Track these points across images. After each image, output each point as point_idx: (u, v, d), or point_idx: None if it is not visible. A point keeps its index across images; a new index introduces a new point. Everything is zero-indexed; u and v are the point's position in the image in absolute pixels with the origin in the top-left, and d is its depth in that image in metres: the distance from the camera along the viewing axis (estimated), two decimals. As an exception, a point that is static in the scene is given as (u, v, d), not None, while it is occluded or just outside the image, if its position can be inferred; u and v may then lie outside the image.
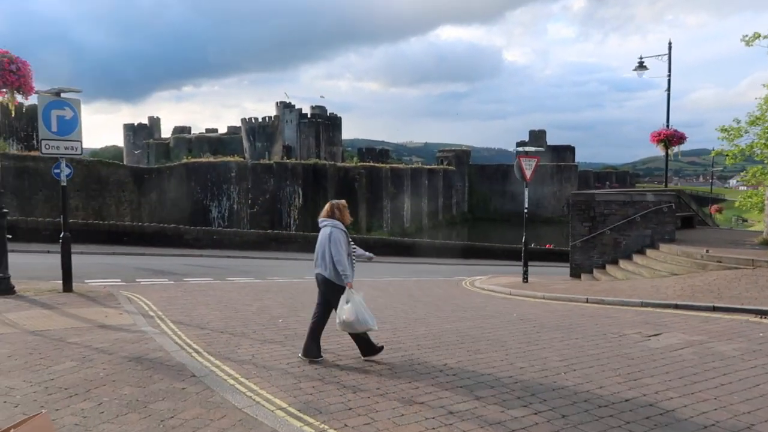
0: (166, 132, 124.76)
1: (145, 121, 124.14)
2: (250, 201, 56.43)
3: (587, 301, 10.57)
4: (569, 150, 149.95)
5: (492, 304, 10.71)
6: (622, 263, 15.16)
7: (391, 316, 8.96)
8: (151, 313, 8.45)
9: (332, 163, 76.39)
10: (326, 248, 5.78)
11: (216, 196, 53.62)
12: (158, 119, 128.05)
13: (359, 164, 78.58)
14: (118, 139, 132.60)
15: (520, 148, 14.32)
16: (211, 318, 8.25)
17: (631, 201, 15.62)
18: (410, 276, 17.04)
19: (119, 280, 12.03)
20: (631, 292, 10.98)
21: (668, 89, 21.09)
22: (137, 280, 12.19)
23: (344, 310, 5.54)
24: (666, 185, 21.91)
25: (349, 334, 5.91)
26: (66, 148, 9.46)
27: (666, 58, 20.84)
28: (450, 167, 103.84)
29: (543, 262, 29.34)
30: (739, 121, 23.85)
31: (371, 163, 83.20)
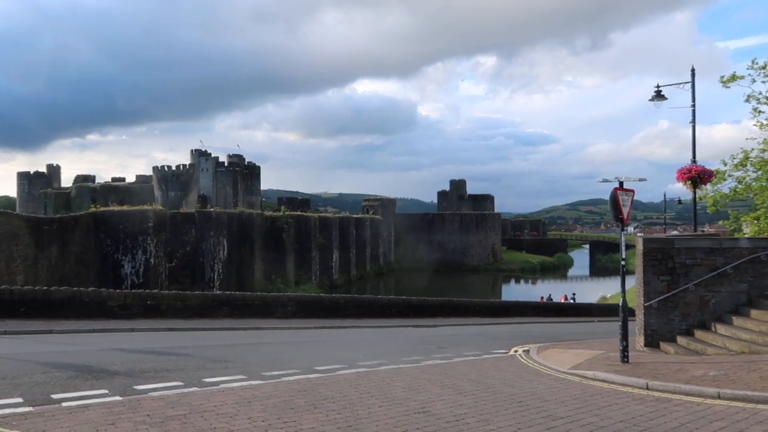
0: (66, 182, 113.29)
1: (43, 169, 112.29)
2: (168, 254, 49.79)
3: (809, 404, 6.81)
4: (489, 199, 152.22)
5: (661, 421, 6.64)
6: (720, 328, 11.71)
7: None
8: None
9: (259, 212, 70.89)
10: None
11: (130, 249, 46.62)
12: (58, 167, 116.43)
13: (287, 213, 73.69)
14: (10, 190, 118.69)
15: (610, 177, 10.46)
16: None
17: (720, 248, 12.33)
18: (432, 350, 12.68)
19: (19, 398, 6.67)
20: None
21: (693, 120, 18.61)
22: (53, 395, 6.93)
23: None
24: (695, 230, 19.18)
25: None
26: None
27: (689, 86, 18.48)
28: (377, 216, 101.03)
29: (555, 318, 26.48)
30: (725, 164, 21.88)
31: (299, 212, 78.52)
